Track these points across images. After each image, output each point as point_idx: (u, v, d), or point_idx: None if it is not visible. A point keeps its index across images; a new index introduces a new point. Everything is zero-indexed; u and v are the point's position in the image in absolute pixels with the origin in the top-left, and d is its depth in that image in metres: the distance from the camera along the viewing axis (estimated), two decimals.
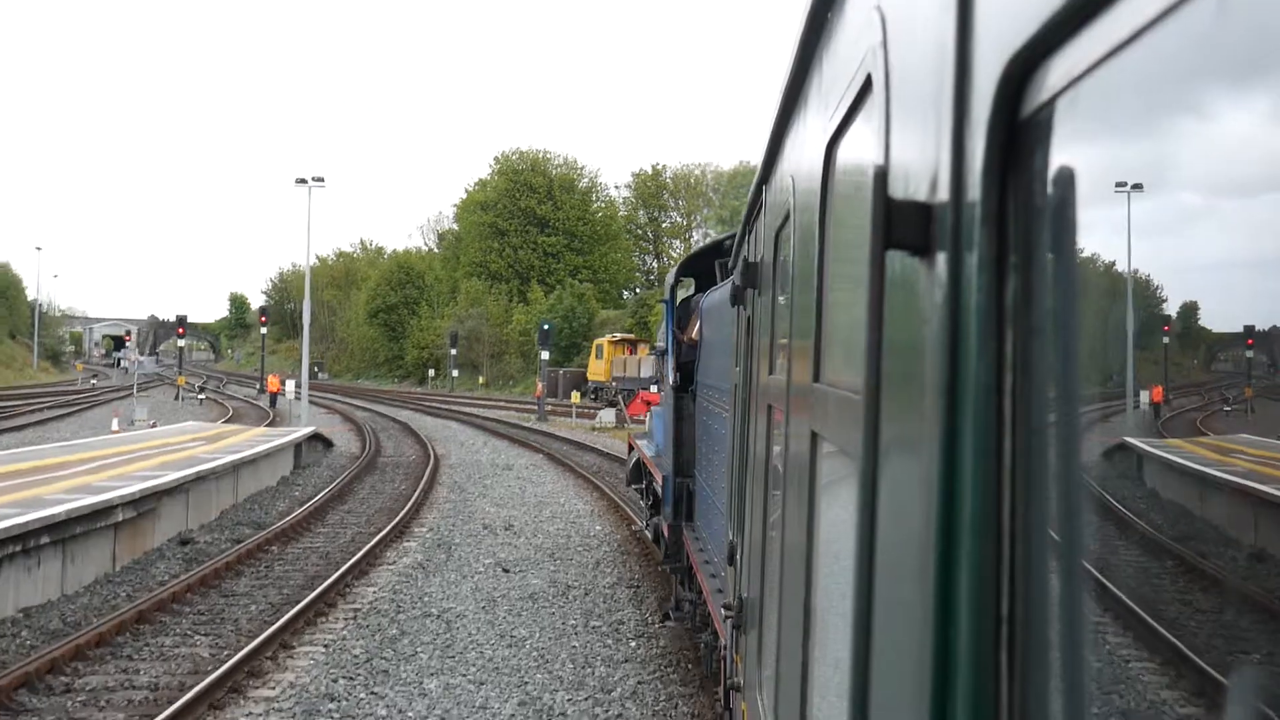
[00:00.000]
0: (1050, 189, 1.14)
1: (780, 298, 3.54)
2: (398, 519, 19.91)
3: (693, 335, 12.16)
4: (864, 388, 1.58)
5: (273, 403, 54.92)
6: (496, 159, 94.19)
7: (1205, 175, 0.97)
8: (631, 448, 17.34)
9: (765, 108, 3.81)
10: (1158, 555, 1.07)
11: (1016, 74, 1.15)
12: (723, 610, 5.95)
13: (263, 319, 75.04)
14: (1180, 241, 1.03)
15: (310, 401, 42.94)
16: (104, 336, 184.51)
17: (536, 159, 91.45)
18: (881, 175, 1.50)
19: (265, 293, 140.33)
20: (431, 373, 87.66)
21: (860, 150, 1.94)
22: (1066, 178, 1.13)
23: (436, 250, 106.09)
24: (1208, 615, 0.98)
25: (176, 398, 59.27)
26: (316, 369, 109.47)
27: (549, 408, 51.35)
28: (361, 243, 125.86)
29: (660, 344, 14.65)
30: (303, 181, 42.99)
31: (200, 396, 60.01)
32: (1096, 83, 1.03)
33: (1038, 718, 1.13)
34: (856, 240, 1.79)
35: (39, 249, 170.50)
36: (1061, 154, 1.13)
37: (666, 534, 12.28)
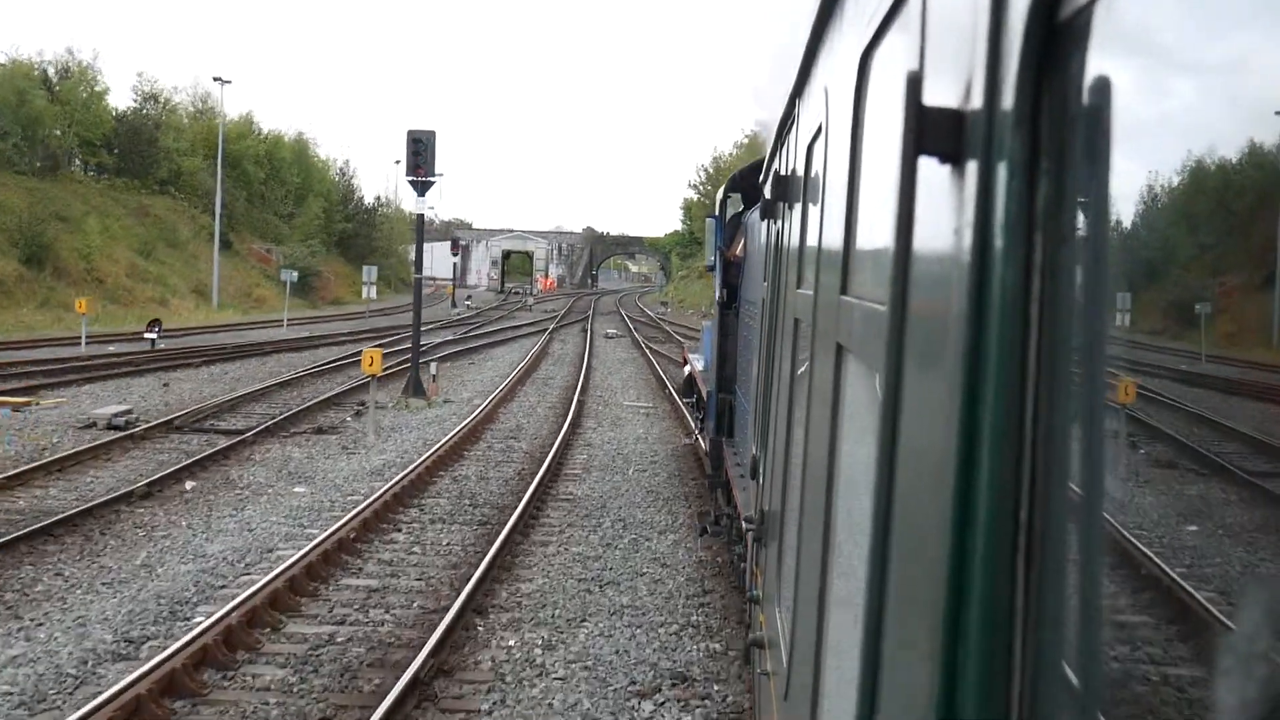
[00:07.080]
0: (1086, 96, 1.12)
1: (811, 211, 3.50)
2: None
3: (736, 252, 12.07)
4: (889, 297, 1.58)
5: None
6: None
7: (1241, 86, 0.95)
8: (685, 362, 18.02)
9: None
10: (1181, 465, 1.06)
11: None
12: (744, 524, 6.07)
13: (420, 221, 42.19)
14: (1215, 155, 1.00)
15: None
16: (503, 253, 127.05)
17: None
18: (915, 81, 1.48)
19: (693, 186, 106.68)
20: None
21: (894, 58, 1.92)
22: (1102, 85, 1.10)
23: None
24: (1230, 528, 0.98)
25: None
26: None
27: None
28: None
29: (710, 260, 14.09)
30: None
31: None
32: None
33: (1053, 627, 1.14)
34: (889, 150, 1.77)
35: (221, 80, 61.24)
36: (1098, 60, 1.10)
37: (708, 448, 12.68)
